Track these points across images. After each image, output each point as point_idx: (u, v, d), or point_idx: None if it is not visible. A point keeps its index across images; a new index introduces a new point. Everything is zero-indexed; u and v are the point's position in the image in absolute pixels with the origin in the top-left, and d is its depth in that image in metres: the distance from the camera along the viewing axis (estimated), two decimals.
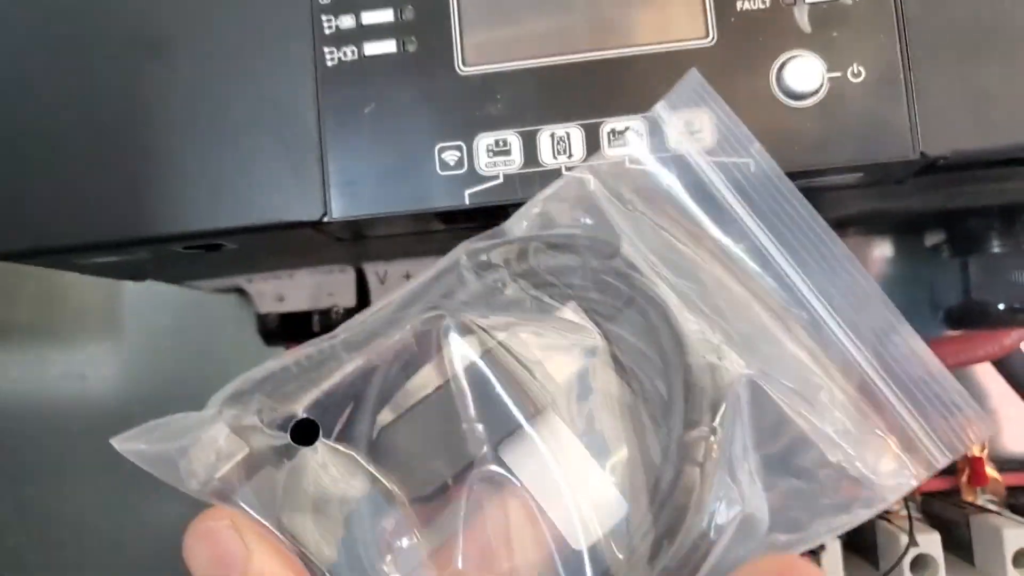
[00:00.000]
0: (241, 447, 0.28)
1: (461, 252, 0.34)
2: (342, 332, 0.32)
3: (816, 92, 0.35)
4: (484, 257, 0.34)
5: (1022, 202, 0.48)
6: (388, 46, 0.37)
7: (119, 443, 0.28)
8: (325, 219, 0.37)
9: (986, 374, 0.59)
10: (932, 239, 0.56)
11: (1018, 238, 0.50)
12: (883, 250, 0.63)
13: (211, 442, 0.28)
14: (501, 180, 0.36)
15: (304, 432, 0.30)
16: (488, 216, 0.38)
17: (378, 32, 0.37)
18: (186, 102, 0.38)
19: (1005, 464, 0.57)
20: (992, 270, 0.50)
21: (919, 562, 0.46)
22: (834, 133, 0.35)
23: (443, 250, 0.49)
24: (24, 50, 0.39)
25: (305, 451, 0.30)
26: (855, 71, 0.35)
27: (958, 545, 0.50)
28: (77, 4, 0.39)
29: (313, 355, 0.32)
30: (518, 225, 0.34)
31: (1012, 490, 0.54)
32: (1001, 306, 0.50)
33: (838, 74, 0.35)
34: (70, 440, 0.70)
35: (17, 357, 0.73)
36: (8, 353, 0.73)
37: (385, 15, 0.37)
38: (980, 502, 0.54)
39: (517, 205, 0.36)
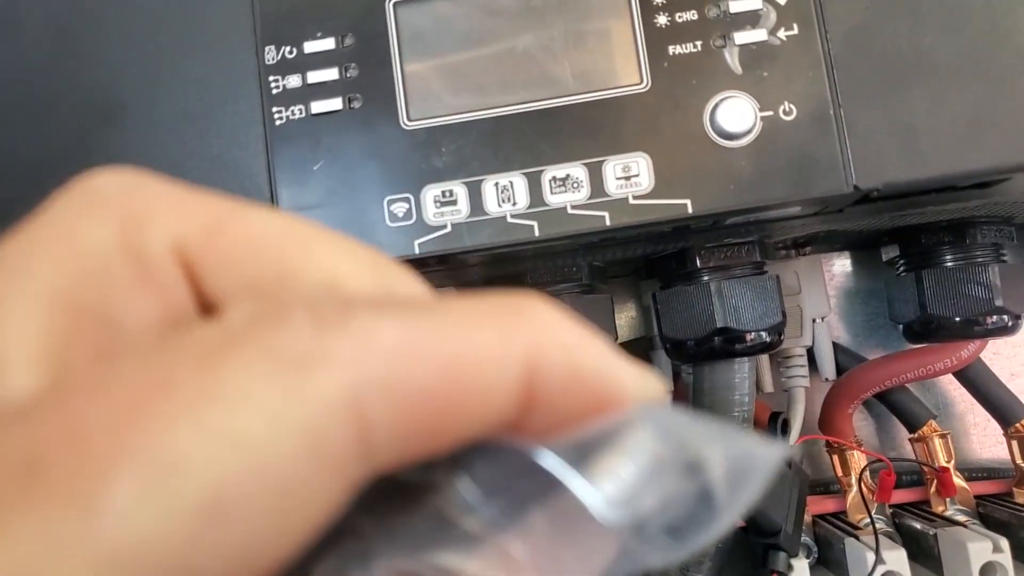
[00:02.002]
0: None
1: None
2: None
3: (749, 131, 0.36)
4: None
5: (968, 219, 0.49)
6: (334, 104, 0.38)
7: None
8: None
9: (951, 383, 0.60)
10: (887, 254, 0.57)
11: (969, 252, 0.51)
12: (843, 266, 0.64)
13: None
14: (449, 229, 0.37)
15: None
16: (439, 262, 0.39)
17: (324, 91, 0.38)
18: (140, 166, 0.39)
19: (973, 473, 0.58)
20: (946, 284, 0.51)
21: None
22: (769, 171, 0.36)
23: None
24: None
25: None
26: (786, 109, 0.36)
27: (928, 557, 0.50)
28: (31, 74, 0.40)
29: None
30: None
31: (981, 499, 0.55)
32: (957, 319, 0.51)
33: (770, 113, 0.36)
34: None
35: None
36: None
37: (330, 74, 0.38)
38: (950, 512, 0.54)
39: (465, 253, 0.37)
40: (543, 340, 0.14)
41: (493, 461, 0.14)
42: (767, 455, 0.14)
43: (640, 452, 0.14)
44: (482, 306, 0.14)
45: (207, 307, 0.15)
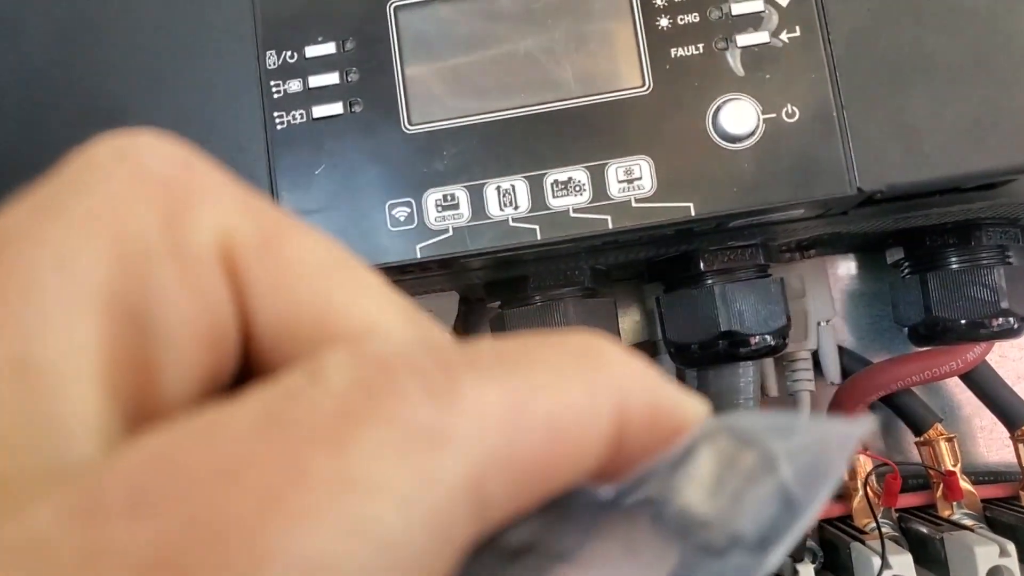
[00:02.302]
0: None
1: None
2: None
3: (752, 134, 0.36)
4: None
5: (973, 220, 0.49)
6: (335, 108, 0.38)
7: None
8: None
9: (957, 386, 0.60)
10: (892, 257, 0.56)
11: (974, 254, 0.51)
12: (847, 268, 0.63)
13: None
14: (451, 233, 0.37)
15: None
16: (441, 266, 0.39)
17: (325, 95, 0.38)
18: None
19: (980, 477, 0.58)
20: (951, 286, 0.51)
21: None
22: (772, 173, 0.36)
23: (410, 295, 0.49)
24: None
25: None
26: (789, 111, 0.36)
27: (935, 561, 0.50)
28: (33, 79, 0.40)
29: None
30: None
31: (988, 503, 0.55)
32: (962, 322, 0.51)
33: (772, 115, 0.36)
34: None
35: None
36: None
37: (331, 78, 0.38)
38: (956, 516, 0.54)
39: (467, 257, 0.37)
40: (626, 386, 0.13)
41: (574, 507, 0.14)
42: (842, 436, 0.14)
43: (707, 459, 0.14)
44: (560, 357, 0.13)
45: (245, 325, 0.14)
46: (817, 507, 0.14)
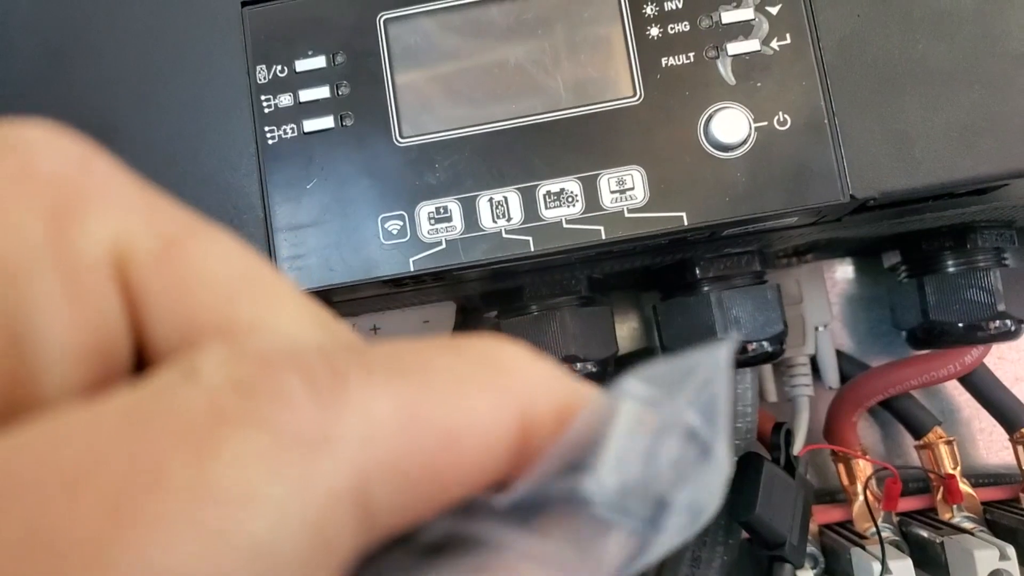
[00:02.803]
0: None
1: None
2: None
3: (744, 143, 0.36)
4: None
5: (969, 223, 0.49)
6: (326, 122, 0.38)
7: None
8: None
9: (956, 389, 0.60)
10: (889, 260, 0.56)
11: (971, 257, 0.51)
12: (845, 273, 0.63)
13: None
14: (444, 246, 0.37)
15: None
16: (435, 278, 0.39)
17: (316, 109, 0.38)
18: None
19: (980, 479, 0.58)
20: (948, 290, 0.51)
21: None
22: (764, 182, 0.35)
23: (406, 305, 0.49)
24: None
25: None
26: (781, 120, 0.36)
27: (935, 565, 0.50)
28: (24, 98, 0.40)
29: None
30: None
31: (988, 505, 0.55)
32: (960, 325, 0.50)
33: (764, 123, 0.36)
34: None
35: None
36: None
37: (322, 92, 0.38)
38: (957, 519, 0.54)
39: (460, 269, 0.37)
40: (530, 391, 0.13)
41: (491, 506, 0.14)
42: (710, 360, 0.14)
43: (614, 433, 0.13)
44: (461, 363, 0.13)
45: (139, 338, 0.13)
46: (724, 440, 0.14)
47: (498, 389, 0.13)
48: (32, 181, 0.12)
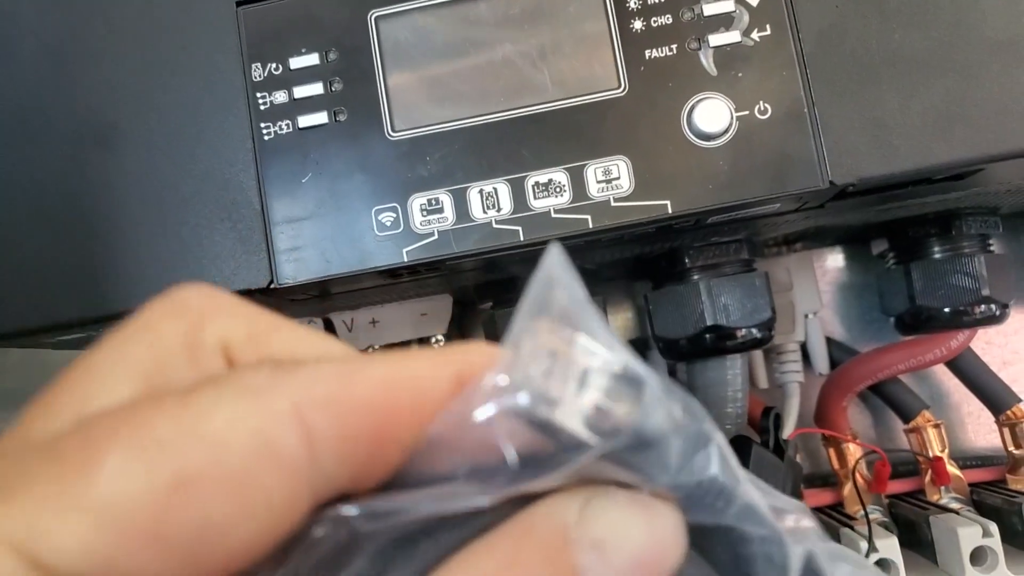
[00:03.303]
0: None
1: None
2: None
3: (726, 132, 0.37)
4: None
5: (954, 210, 0.50)
6: (320, 118, 0.39)
7: None
8: (272, 285, 0.39)
9: (944, 373, 0.61)
10: (877, 248, 0.57)
11: (956, 243, 0.52)
12: (834, 260, 0.64)
13: None
14: (436, 237, 0.38)
15: None
16: (429, 269, 0.40)
17: (310, 105, 0.39)
18: (136, 186, 0.40)
19: (967, 461, 0.59)
20: (934, 276, 0.52)
21: (881, 565, 0.48)
22: (746, 169, 0.36)
23: (404, 298, 0.50)
24: None
25: None
26: (761, 108, 0.37)
27: (922, 544, 0.51)
28: (26, 99, 0.41)
29: None
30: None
31: (975, 486, 0.56)
32: (946, 310, 0.51)
33: (745, 113, 0.37)
34: None
35: (3, 424, 0.74)
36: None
37: (316, 88, 0.39)
38: (944, 500, 0.55)
39: (452, 260, 0.38)
40: (470, 358, 0.17)
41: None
42: (548, 273, 0.16)
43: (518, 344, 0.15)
44: (425, 350, 0.17)
45: None
46: (599, 333, 0.16)
47: (437, 354, 0.17)
48: (180, 307, 0.19)
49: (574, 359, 0.15)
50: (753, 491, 0.17)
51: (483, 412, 0.15)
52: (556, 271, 0.16)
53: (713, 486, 0.16)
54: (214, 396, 0.15)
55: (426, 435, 0.16)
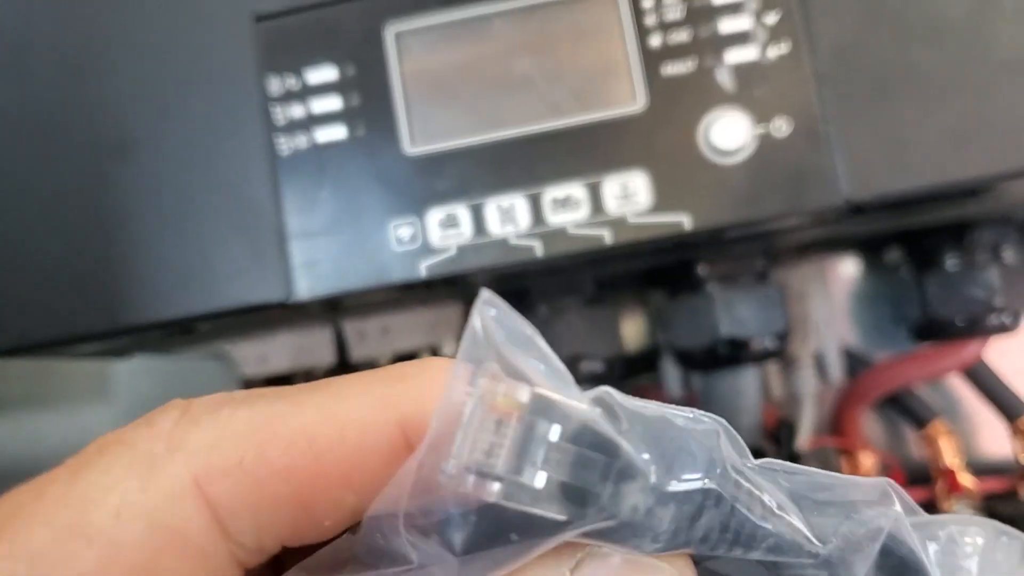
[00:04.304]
0: None
1: None
2: None
3: (743, 148, 0.37)
4: None
5: (968, 220, 0.50)
6: (338, 132, 0.39)
7: None
8: (289, 300, 0.39)
9: (959, 382, 0.60)
10: (891, 257, 0.57)
11: (970, 253, 0.52)
12: (847, 269, 0.64)
13: None
14: (454, 252, 0.38)
15: None
16: (445, 283, 0.40)
17: (327, 120, 0.39)
18: (152, 200, 0.40)
19: (981, 470, 0.59)
20: (948, 286, 0.52)
21: None
22: (763, 186, 0.36)
23: (412, 307, 0.50)
24: None
25: None
26: (778, 125, 0.37)
27: None
28: (44, 112, 0.41)
29: None
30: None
31: (990, 497, 0.56)
32: (959, 319, 0.51)
33: (763, 130, 0.37)
34: None
35: (11, 431, 0.74)
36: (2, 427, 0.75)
37: (333, 103, 0.39)
38: (956, 510, 0.55)
39: (470, 274, 0.38)
40: (419, 399, 0.14)
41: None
42: (473, 318, 0.15)
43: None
44: (356, 382, 0.14)
45: None
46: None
47: (374, 393, 0.14)
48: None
49: (533, 428, 0.14)
50: (788, 519, 0.16)
51: (437, 503, 0.14)
52: (488, 321, 0.15)
53: (727, 532, 0.15)
54: (105, 473, 0.13)
55: (368, 513, 0.14)
